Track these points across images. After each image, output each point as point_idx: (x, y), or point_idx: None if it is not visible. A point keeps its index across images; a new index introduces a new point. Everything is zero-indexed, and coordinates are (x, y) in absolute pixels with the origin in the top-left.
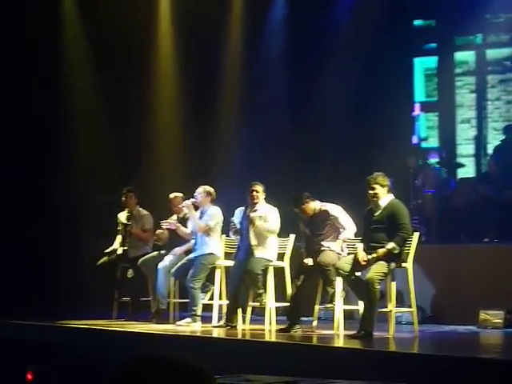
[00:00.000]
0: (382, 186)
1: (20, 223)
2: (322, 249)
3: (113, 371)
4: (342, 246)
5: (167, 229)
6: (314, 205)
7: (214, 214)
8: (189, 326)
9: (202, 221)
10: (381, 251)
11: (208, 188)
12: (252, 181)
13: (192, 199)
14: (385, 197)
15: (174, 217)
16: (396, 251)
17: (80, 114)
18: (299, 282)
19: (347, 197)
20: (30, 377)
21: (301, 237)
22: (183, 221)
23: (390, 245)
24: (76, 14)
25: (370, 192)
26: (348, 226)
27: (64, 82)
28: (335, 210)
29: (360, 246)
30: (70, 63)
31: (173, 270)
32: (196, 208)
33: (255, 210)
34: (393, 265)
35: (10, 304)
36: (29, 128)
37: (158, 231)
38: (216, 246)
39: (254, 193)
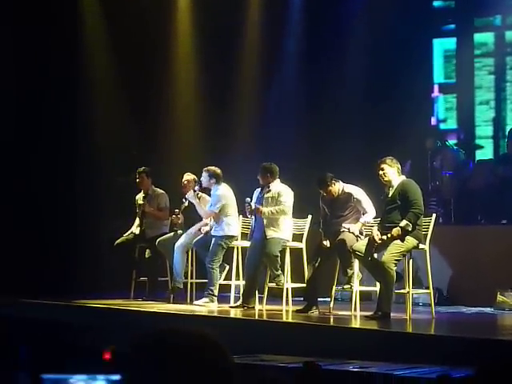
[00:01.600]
0: (390, 166)
1: (38, 203)
2: (341, 230)
3: (131, 344)
4: (362, 229)
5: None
6: (339, 186)
7: (219, 197)
8: (206, 306)
9: (211, 207)
10: (395, 230)
11: (211, 169)
12: (268, 162)
13: (196, 187)
14: (396, 178)
15: (186, 203)
16: (409, 228)
17: (99, 95)
18: (316, 263)
19: (365, 179)
20: (107, 356)
21: (320, 218)
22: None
23: (403, 222)
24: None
25: (380, 172)
26: (369, 209)
27: (81, 65)
28: (358, 192)
29: (375, 227)
30: (87, 50)
31: (194, 240)
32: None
33: (269, 191)
34: (410, 245)
35: (27, 283)
36: (47, 111)
37: (173, 216)
38: (233, 226)
39: (259, 175)
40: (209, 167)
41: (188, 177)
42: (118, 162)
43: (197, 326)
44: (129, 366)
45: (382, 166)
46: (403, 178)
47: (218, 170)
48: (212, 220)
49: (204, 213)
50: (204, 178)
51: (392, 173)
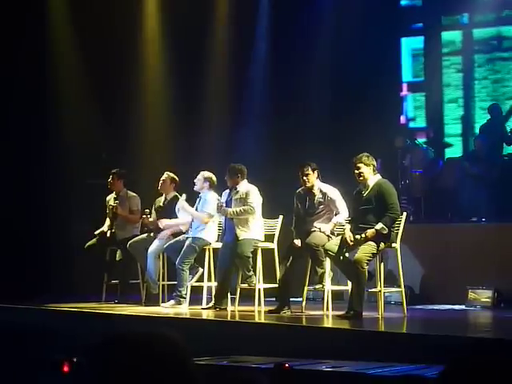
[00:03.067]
0: (367, 165)
1: (8, 207)
2: (312, 229)
3: (86, 351)
4: (333, 230)
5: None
6: (316, 181)
7: (209, 201)
8: (174, 308)
9: (201, 211)
10: (369, 232)
11: (207, 174)
12: (236, 162)
13: (183, 196)
14: (372, 177)
15: (162, 198)
16: (385, 232)
17: (67, 98)
18: (288, 263)
19: (335, 178)
20: (66, 369)
21: (293, 215)
22: (171, 203)
23: (379, 225)
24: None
25: (356, 171)
26: (342, 210)
27: (50, 65)
28: (334, 192)
29: (347, 227)
30: (56, 50)
31: (165, 245)
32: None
33: (237, 192)
34: (382, 245)
35: None
36: (16, 113)
37: (143, 217)
38: (211, 233)
39: (227, 176)
40: (206, 172)
41: (165, 176)
42: (88, 164)
43: (153, 327)
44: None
45: (359, 164)
46: (378, 177)
47: (214, 178)
48: (191, 224)
49: (199, 217)
50: (198, 180)
51: (368, 172)
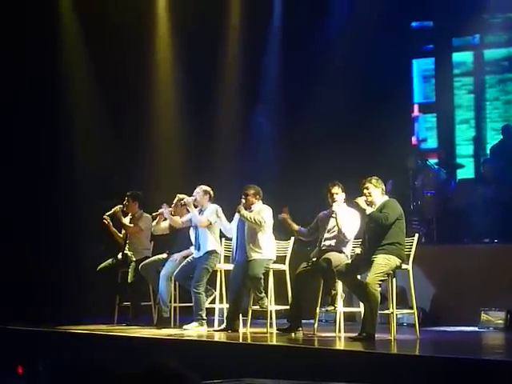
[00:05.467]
0: (376, 186)
1: (20, 228)
2: (325, 248)
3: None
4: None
5: (158, 214)
6: (343, 203)
7: (213, 212)
8: (196, 330)
9: (203, 217)
10: (359, 200)
11: (205, 187)
12: (249, 183)
13: (192, 197)
14: (380, 198)
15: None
16: (366, 212)
17: (79, 119)
18: (300, 284)
19: (347, 199)
20: (20, 370)
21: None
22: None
23: (369, 210)
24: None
25: (365, 191)
26: (354, 227)
27: (63, 89)
28: (355, 213)
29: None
30: (68, 74)
31: (174, 273)
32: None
33: (251, 211)
34: (394, 266)
35: (11, 309)
36: (27, 136)
37: (153, 214)
38: (216, 243)
39: (244, 196)
40: (203, 185)
41: (178, 197)
42: (100, 186)
43: (180, 355)
44: None
45: (368, 185)
46: (386, 198)
47: (211, 191)
48: (196, 237)
49: (199, 220)
50: (199, 193)
51: (376, 194)
